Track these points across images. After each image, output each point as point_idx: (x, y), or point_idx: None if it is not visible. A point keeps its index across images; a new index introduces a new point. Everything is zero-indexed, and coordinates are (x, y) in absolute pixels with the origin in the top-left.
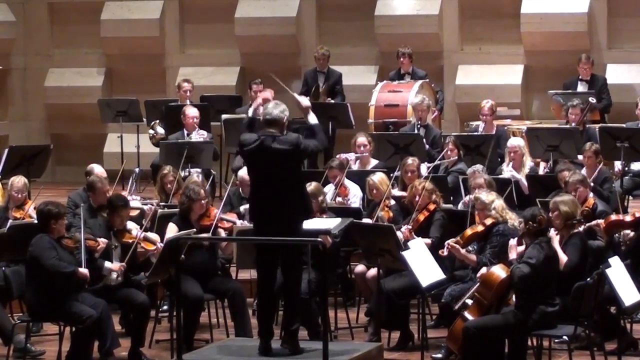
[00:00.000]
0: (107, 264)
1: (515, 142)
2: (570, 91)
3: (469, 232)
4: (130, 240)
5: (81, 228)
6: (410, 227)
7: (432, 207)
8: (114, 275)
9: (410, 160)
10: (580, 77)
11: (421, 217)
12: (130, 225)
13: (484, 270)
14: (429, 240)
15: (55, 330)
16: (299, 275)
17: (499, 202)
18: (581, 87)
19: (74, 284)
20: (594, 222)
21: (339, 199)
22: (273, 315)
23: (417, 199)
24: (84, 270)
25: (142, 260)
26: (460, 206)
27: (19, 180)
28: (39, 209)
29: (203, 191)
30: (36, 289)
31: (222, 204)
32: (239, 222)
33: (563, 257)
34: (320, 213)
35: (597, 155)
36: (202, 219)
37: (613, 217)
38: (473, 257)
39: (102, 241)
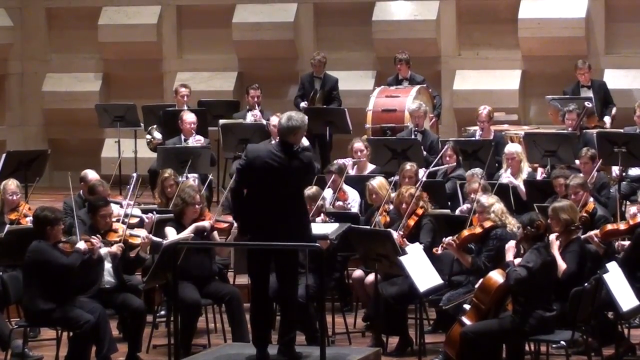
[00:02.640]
0: (104, 250)
1: (513, 148)
2: (568, 96)
3: (465, 232)
4: (118, 238)
5: (77, 231)
6: (401, 233)
7: (420, 211)
8: (108, 273)
9: (408, 166)
10: (581, 83)
11: (411, 222)
12: (116, 224)
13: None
14: (421, 245)
15: (53, 335)
16: (296, 283)
17: (499, 206)
18: (584, 94)
19: (87, 269)
20: (588, 235)
21: (339, 203)
22: (269, 323)
23: (404, 206)
24: (81, 246)
25: (134, 256)
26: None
27: (11, 183)
28: (35, 214)
29: (198, 196)
30: (34, 294)
31: (220, 205)
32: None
33: (562, 264)
34: (318, 215)
35: (594, 160)
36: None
37: (608, 226)
38: (468, 258)
39: (96, 240)
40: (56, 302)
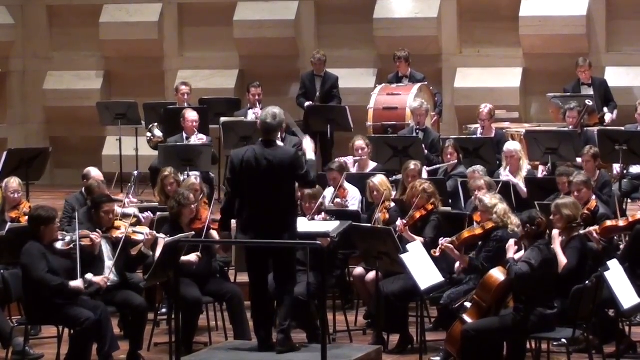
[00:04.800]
0: (89, 275)
1: (512, 146)
2: (569, 94)
3: (465, 233)
4: (120, 235)
5: (76, 231)
6: (405, 221)
7: (429, 207)
8: (110, 271)
9: (412, 165)
10: (581, 81)
11: (417, 215)
12: (118, 222)
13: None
14: (422, 239)
15: (54, 333)
16: (294, 277)
17: (501, 206)
18: (585, 91)
19: (65, 295)
20: (587, 230)
21: (337, 200)
22: (269, 318)
23: (415, 199)
24: (75, 284)
25: (136, 254)
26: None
27: (13, 181)
28: (29, 213)
29: (192, 195)
30: (34, 292)
31: (212, 205)
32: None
33: (563, 260)
34: (319, 213)
35: (596, 158)
36: (194, 223)
37: (608, 222)
38: (466, 258)
39: (96, 235)
40: (57, 300)
